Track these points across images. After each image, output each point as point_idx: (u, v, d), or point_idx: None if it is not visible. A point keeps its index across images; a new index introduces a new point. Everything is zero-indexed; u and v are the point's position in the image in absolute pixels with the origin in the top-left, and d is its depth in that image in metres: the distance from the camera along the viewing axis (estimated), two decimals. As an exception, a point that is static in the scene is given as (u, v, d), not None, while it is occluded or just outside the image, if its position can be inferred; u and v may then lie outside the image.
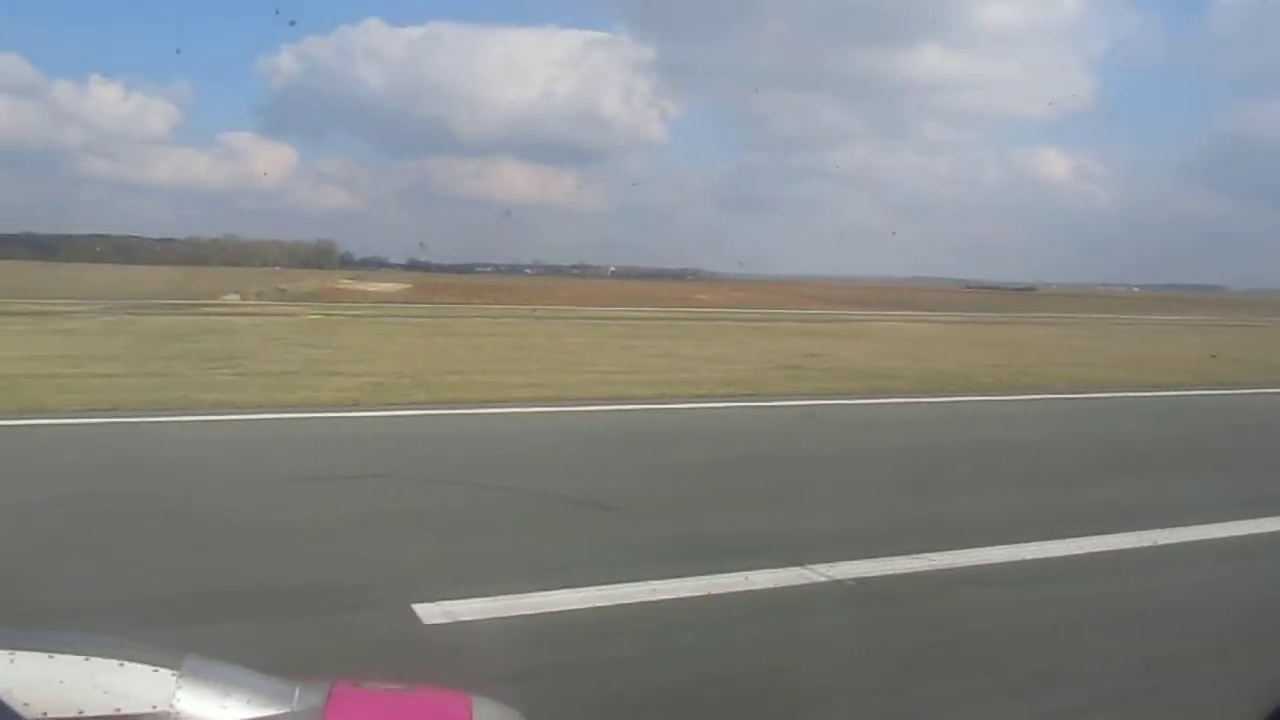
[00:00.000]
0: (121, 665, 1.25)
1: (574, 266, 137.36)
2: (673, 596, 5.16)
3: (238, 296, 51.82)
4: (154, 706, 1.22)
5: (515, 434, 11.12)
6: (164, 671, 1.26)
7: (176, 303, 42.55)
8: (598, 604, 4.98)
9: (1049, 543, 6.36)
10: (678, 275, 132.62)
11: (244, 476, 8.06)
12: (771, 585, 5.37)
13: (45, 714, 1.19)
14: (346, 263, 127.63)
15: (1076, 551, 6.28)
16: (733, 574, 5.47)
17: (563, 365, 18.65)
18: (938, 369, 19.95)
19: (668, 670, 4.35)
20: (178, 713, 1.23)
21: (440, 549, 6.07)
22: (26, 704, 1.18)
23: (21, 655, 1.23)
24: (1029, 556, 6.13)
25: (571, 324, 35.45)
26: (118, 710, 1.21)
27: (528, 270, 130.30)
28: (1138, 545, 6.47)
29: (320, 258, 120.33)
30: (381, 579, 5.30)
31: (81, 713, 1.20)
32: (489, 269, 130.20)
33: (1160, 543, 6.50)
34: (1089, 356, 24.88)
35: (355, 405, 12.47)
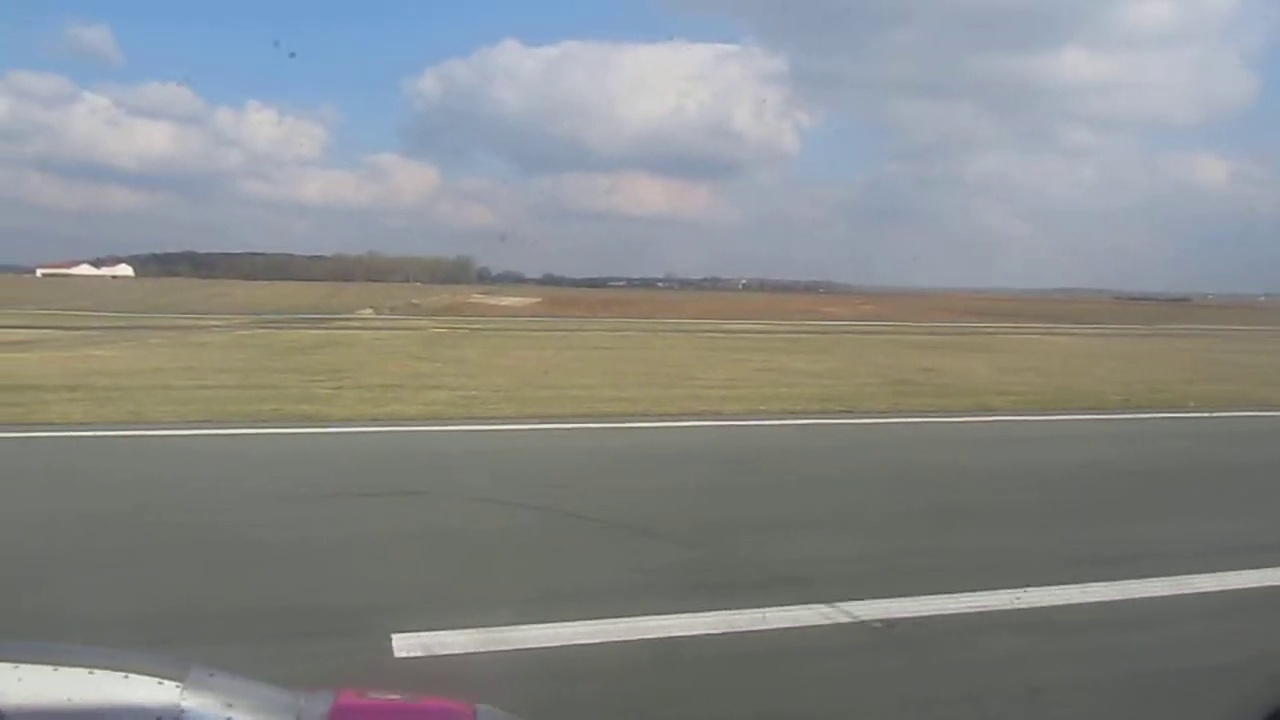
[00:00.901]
0: (126, 677, 1.25)
1: (705, 280, 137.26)
2: (673, 634, 4.73)
3: (372, 311, 53.58)
4: (159, 718, 1.21)
5: (583, 450, 10.83)
6: (169, 683, 1.26)
7: (313, 317, 44.26)
8: (590, 640, 4.60)
9: (1115, 584, 5.64)
10: (810, 288, 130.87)
11: (269, 492, 7.97)
12: (789, 624, 4.88)
13: None
14: (484, 278, 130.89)
15: (1144, 594, 5.54)
16: (750, 610, 5.00)
17: (662, 379, 18.33)
18: (1066, 385, 18.77)
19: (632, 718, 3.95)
20: None
21: (443, 573, 5.79)
22: (33, 717, 1.18)
23: (27, 668, 1.23)
24: (1089, 599, 5.44)
25: (689, 337, 35.15)
26: None
27: (659, 284, 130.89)
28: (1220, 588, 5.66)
29: (458, 273, 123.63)
30: (370, 603, 5.05)
31: None
32: (621, 283, 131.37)
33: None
34: (1236, 372, 23.08)
35: (436, 419, 12.43)
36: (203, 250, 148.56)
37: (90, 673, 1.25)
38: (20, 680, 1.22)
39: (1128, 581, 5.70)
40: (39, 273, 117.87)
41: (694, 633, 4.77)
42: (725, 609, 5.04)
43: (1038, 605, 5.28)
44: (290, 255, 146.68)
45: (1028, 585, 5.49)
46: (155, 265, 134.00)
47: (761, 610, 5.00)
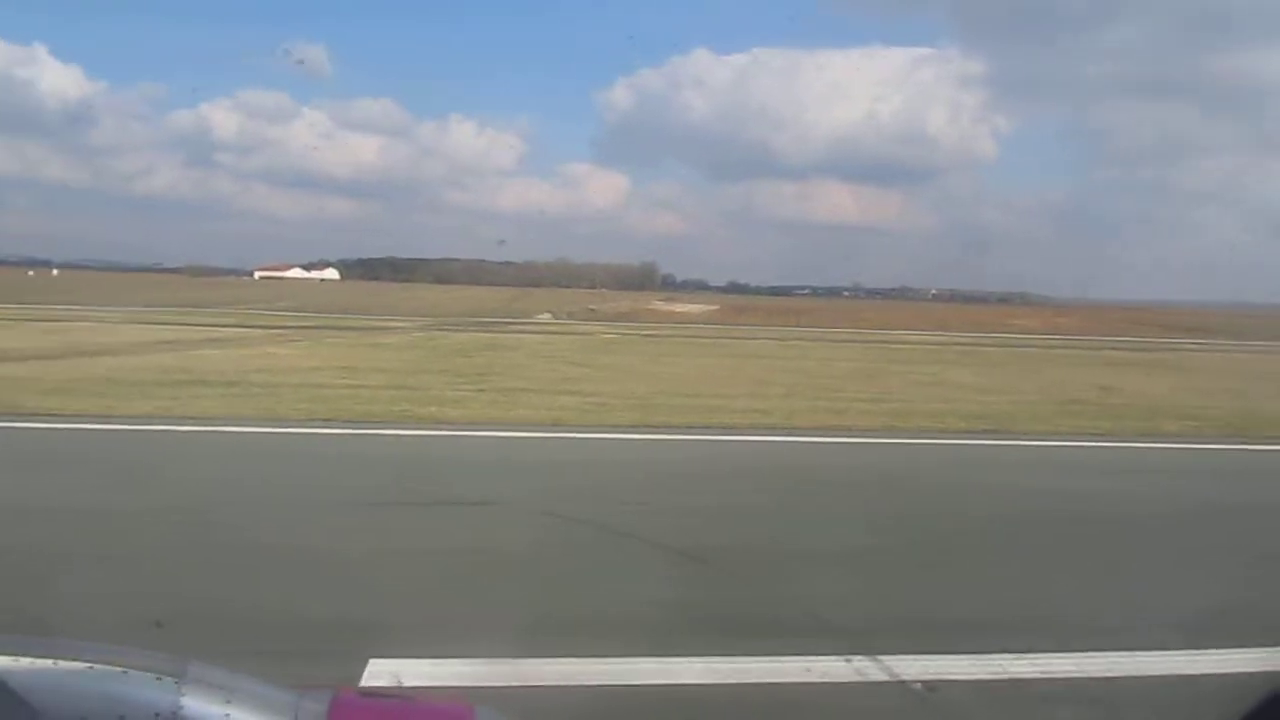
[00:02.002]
0: (124, 673, 1.24)
1: (894, 290, 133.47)
2: (682, 681, 4.21)
3: (550, 315, 54.62)
4: (157, 714, 1.20)
5: (685, 462, 10.34)
6: (167, 679, 1.24)
7: (490, 321, 45.42)
8: (583, 681, 4.14)
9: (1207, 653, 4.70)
10: (1005, 299, 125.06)
11: (323, 498, 7.84)
12: (812, 678, 4.27)
13: None
14: (669, 284, 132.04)
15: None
16: (761, 660, 4.42)
17: (809, 390, 17.61)
18: (1264, 410, 16.84)
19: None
20: None
21: (461, 593, 5.43)
22: (30, 712, 1.15)
23: (24, 662, 1.22)
24: (1164, 670, 4.55)
25: (859, 347, 33.98)
26: (121, 718, 1.19)
27: (846, 294, 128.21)
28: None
29: (643, 279, 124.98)
30: (365, 622, 4.76)
31: None
32: (806, 291, 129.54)
33: None
34: None
35: (555, 425, 12.25)
36: (403, 256, 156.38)
37: (88, 668, 1.24)
38: (17, 675, 1.20)
39: None
40: (256, 275, 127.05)
41: (703, 681, 4.25)
42: (745, 655, 4.48)
43: (1127, 673, 4.45)
44: (483, 261, 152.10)
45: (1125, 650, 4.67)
46: (359, 269, 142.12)
47: (779, 659, 4.42)
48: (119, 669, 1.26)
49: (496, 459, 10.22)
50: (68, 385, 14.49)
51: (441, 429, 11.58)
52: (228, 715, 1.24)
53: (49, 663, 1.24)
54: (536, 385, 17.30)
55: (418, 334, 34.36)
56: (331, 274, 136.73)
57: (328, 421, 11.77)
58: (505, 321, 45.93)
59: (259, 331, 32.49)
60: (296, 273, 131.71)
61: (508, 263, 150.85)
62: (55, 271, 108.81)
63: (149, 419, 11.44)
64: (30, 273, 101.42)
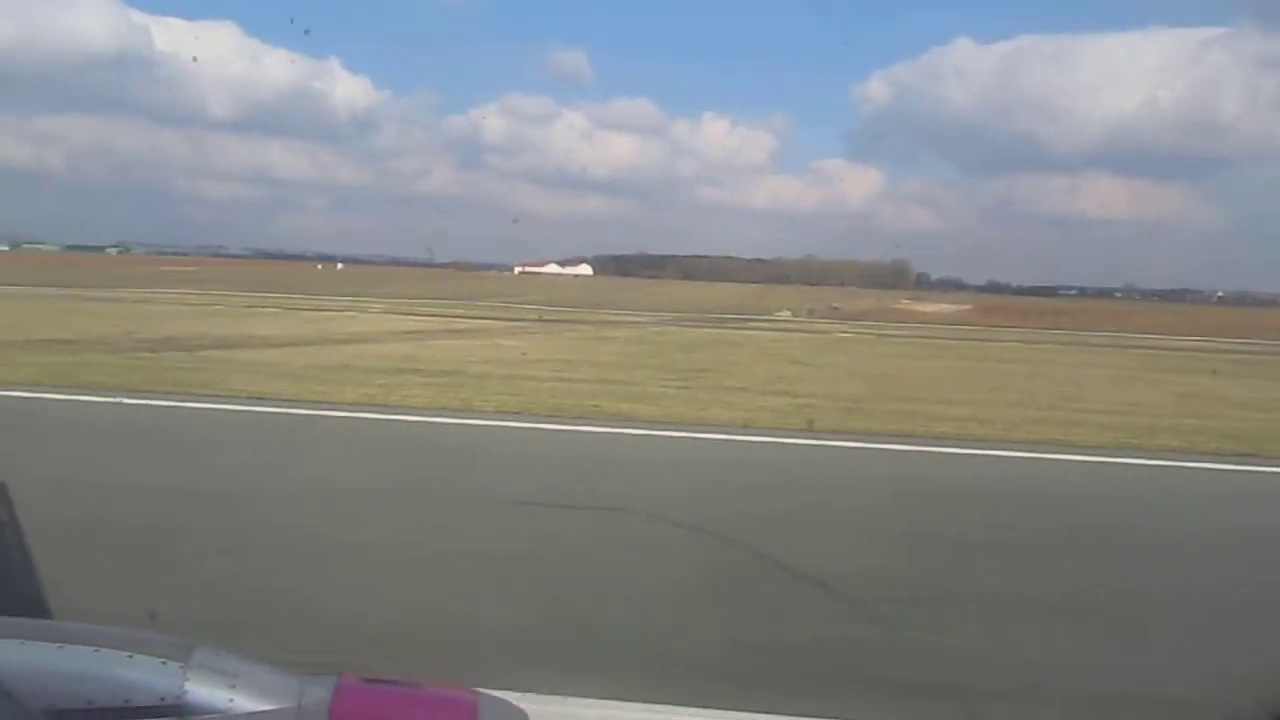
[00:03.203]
0: (131, 657, 1.26)
1: (1172, 291, 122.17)
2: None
3: (789, 313, 53.71)
4: (162, 698, 1.22)
5: (863, 476, 9.58)
6: (172, 664, 1.27)
7: (728, 317, 45.20)
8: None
9: None
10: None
11: (457, 492, 7.83)
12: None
13: (55, 705, 1.19)
14: (922, 283, 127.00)
15: None
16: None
17: (1042, 400, 16.09)
18: None
19: None
20: (185, 704, 1.23)
21: (542, 609, 5.05)
22: (38, 695, 1.18)
23: (33, 646, 1.24)
24: None
25: (1118, 353, 31.09)
26: (127, 701, 1.21)
27: (1117, 294, 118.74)
28: None
29: (894, 277, 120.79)
30: (402, 631, 4.49)
31: (91, 703, 1.21)
32: (1072, 292, 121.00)
33: None
34: None
35: (745, 427, 11.71)
36: (654, 252, 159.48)
37: (95, 651, 1.26)
38: (25, 658, 1.23)
39: None
40: (516, 270, 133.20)
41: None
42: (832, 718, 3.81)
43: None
44: (731, 258, 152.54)
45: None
46: (612, 265, 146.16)
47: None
48: (125, 653, 1.27)
49: (664, 460, 9.85)
50: (300, 371, 15.42)
51: (624, 426, 11.33)
52: (232, 699, 1.25)
53: (55, 646, 1.26)
54: (747, 384, 16.80)
55: (652, 329, 34.59)
56: (585, 269, 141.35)
57: (515, 414, 11.81)
58: (742, 318, 45.55)
59: (500, 323, 33.75)
60: (553, 268, 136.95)
61: (756, 260, 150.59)
62: (339, 266, 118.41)
63: (350, 405, 11.91)
64: (318, 267, 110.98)
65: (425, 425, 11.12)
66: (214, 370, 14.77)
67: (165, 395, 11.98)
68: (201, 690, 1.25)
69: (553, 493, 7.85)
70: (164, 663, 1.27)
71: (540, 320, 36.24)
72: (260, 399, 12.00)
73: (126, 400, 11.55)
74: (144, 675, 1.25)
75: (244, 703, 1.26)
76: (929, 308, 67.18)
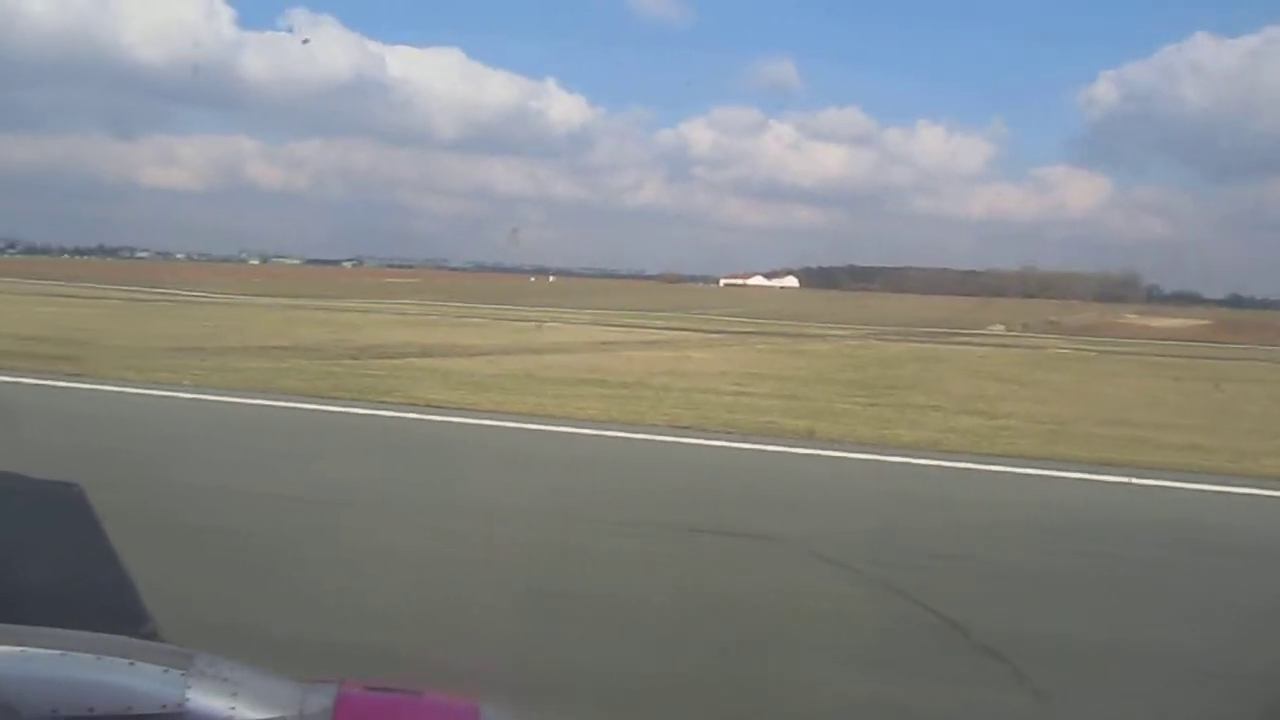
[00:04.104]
0: (132, 665, 1.25)
1: None
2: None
3: (1003, 328, 51.16)
4: (164, 706, 1.21)
5: (1059, 508, 8.61)
6: (174, 672, 1.25)
7: (935, 331, 43.44)
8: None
9: None
10: None
11: (602, 514, 7.40)
12: None
13: (56, 712, 1.18)
14: (1153, 296, 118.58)
15: None
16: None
17: (1263, 426, 14.33)
18: None
19: None
20: (187, 712, 1.22)
21: (643, 659, 4.62)
22: (39, 702, 1.17)
23: (33, 653, 1.24)
24: None
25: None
26: (128, 710, 1.20)
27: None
28: None
29: (1122, 290, 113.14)
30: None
31: (92, 711, 1.19)
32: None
33: None
34: None
35: (932, 449, 10.91)
36: (862, 264, 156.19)
37: (96, 659, 1.24)
38: (25, 665, 1.21)
39: None
40: (721, 282, 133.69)
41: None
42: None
43: None
44: (945, 269, 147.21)
45: None
46: (819, 277, 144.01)
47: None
48: (126, 661, 1.25)
49: (826, 484, 9.25)
50: (485, 380, 15.70)
51: (796, 446, 10.78)
52: (233, 708, 1.24)
53: (56, 654, 1.24)
54: (942, 402, 15.84)
55: (851, 343, 33.62)
56: (791, 282, 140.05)
57: (684, 429, 11.50)
58: (950, 332, 43.61)
59: (696, 335, 33.68)
60: (758, 280, 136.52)
61: (970, 272, 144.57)
62: (551, 278, 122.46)
63: (520, 415, 11.93)
64: (531, 279, 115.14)
65: (585, 438, 10.98)
66: (403, 378, 15.22)
67: (342, 402, 12.40)
68: (203, 698, 1.23)
69: (718, 517, 7.47)
70: (165, 671, 1.26)
71: (738, 333, 35.92)
72: (435, 407, 12.22)
73: (302, 405, 12.11)
74: (145, 683, 1.23)
75: (246, 711, 1.24)
76: (1159, 322, 62.39)
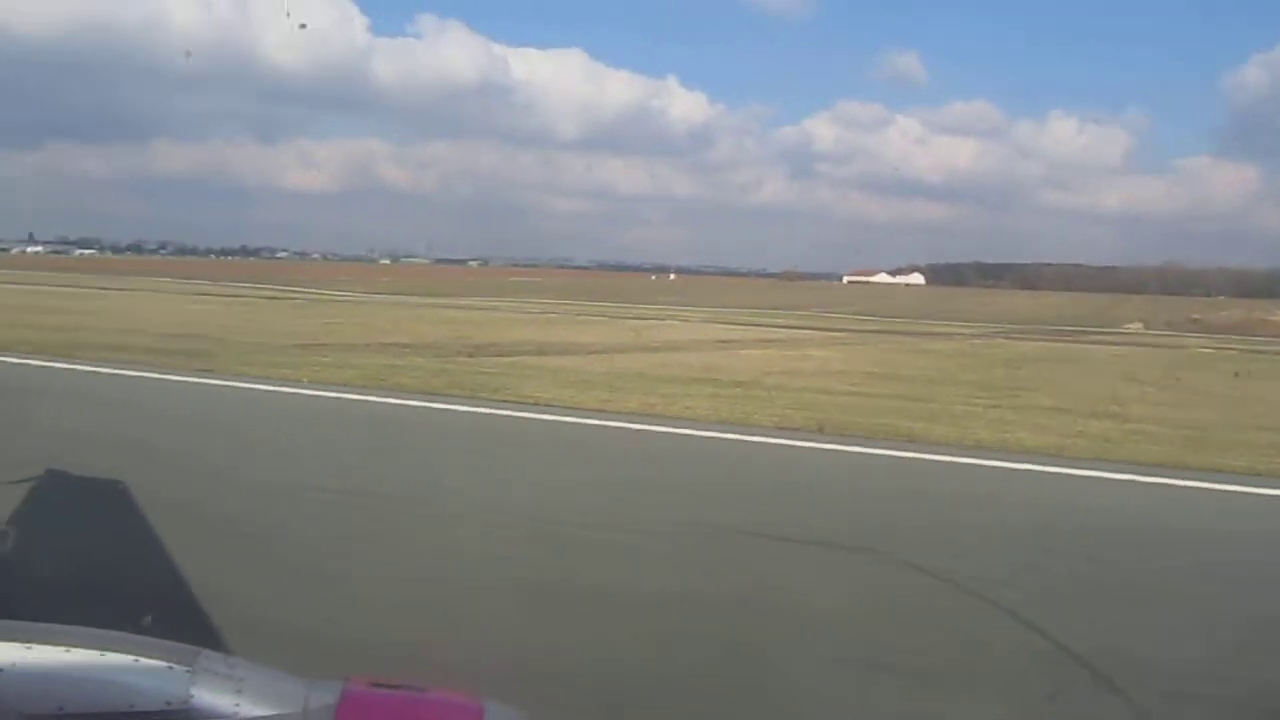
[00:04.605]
0: (137, 661, 1.27)
1: None
2: None
3: (1141, 325, 48.87)
4: (168, 703, 1.23)
5: (1181, 525, 8.04)
6: (178, 669, 1.28)
7: (1068, 329, 41.75)
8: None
9: None
10: None
11: (677, 517, 7.19)
12: None
13: (61, 708, 1.21)
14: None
15: None
16: None
17: None
18: None
19: None
20: (192, 709, 1.24)
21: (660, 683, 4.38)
22: (43, 698, 1.21)
23: (39, 649, 1.25)
24: None
25: None
26: (132, 706, 1.22)
27: None
28: None
29: (1273, 286, 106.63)
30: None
31: (97, 708, 1.22)
32: None
33: None
34: None
35: (1058, 456, 10.33)
36: (990, 260, 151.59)
37: (102, 655, 1.26)
38: (31, 661, 1.23)
39: None
40: (845, 279, 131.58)
41: None
42: None
43: None
44: (1078, 265, 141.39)
45: None
46: (945, 274, 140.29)
47: None
48: (131, 658, 1.26)
49: (932, 494, 8.72)
50: (594, 378, 15.66)
51: (908, 449, 10.31)
52: (238, 705, 1.25)
53: (62, 650, 1.25)
54: (1071, 404, 15.06)
55: (976, 341, 32.51)
56: (917, 278, 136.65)
57: (794, 430, 11.17)
58: (1084, 330, 41.78)
59: (818, 334, 33.05)
60: (882, 277, 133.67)
61: (1107, 268, 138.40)
62: (672, 276, 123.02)
63: (625, 415, 11.82)
64: (653, 277, 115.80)
65: (688, 439, 10.74)
66: (513, 375, 15.31)
67: (451, 399, 12.53)
68: (207, 695, 1.25)
69: (812, 525, 7.14)
70: (170, 667, 1.27)
71: (860, 331, 35.14)
72: (542, 405, 12.21)
73: (408, 402, 12.32)
74: (150, 680, 1.25)
75: (250, 707, 1.25)
76: (1317, 321, 58.45)
